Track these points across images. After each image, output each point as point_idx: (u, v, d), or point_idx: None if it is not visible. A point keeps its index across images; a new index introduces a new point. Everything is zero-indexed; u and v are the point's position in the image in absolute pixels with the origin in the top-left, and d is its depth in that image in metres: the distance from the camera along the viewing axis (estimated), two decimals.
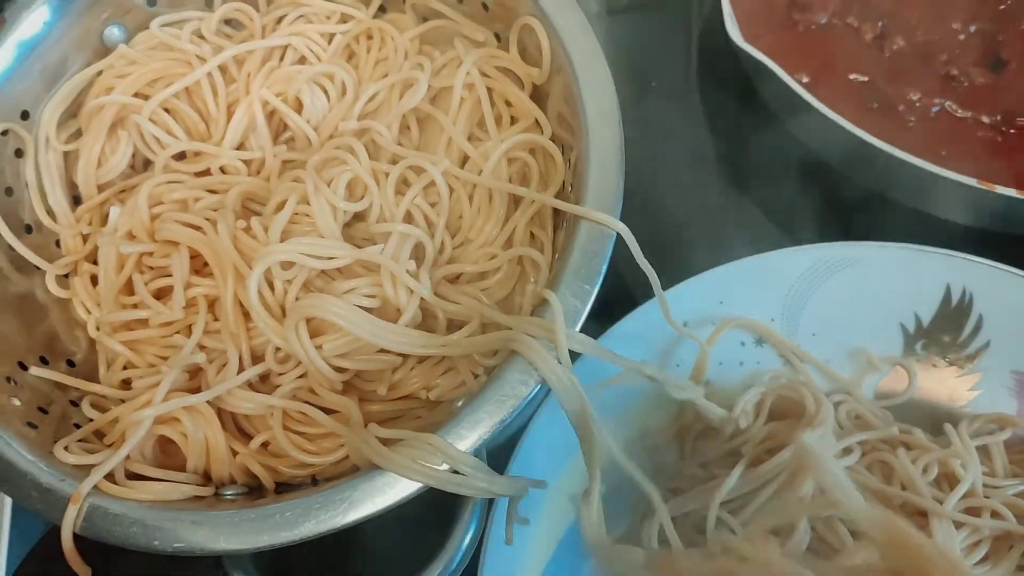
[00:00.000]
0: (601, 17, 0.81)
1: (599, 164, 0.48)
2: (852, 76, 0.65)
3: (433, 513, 0.43)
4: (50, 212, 0.58)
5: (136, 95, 0.59)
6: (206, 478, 0.48)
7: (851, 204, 0.65)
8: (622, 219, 0.48)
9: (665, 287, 0.58)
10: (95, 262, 0.56)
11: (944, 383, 0.58)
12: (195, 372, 0.51)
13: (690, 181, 0.71)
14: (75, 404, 0.52)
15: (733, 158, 0.73)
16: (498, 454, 0.56)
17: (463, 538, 0.42)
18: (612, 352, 0.45)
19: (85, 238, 0.58)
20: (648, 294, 0.56)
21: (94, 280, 0.56)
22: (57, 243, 0.58)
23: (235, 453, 0.47)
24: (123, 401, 0.50)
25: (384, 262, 0.48)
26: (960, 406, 0.58)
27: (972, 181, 0.55)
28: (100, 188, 0.59)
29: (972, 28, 0.65)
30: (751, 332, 0.60)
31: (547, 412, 0.55)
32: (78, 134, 0.59)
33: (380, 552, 0.49)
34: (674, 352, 0.59)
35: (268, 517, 0.41)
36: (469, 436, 0.42)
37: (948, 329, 0.58)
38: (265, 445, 0.48)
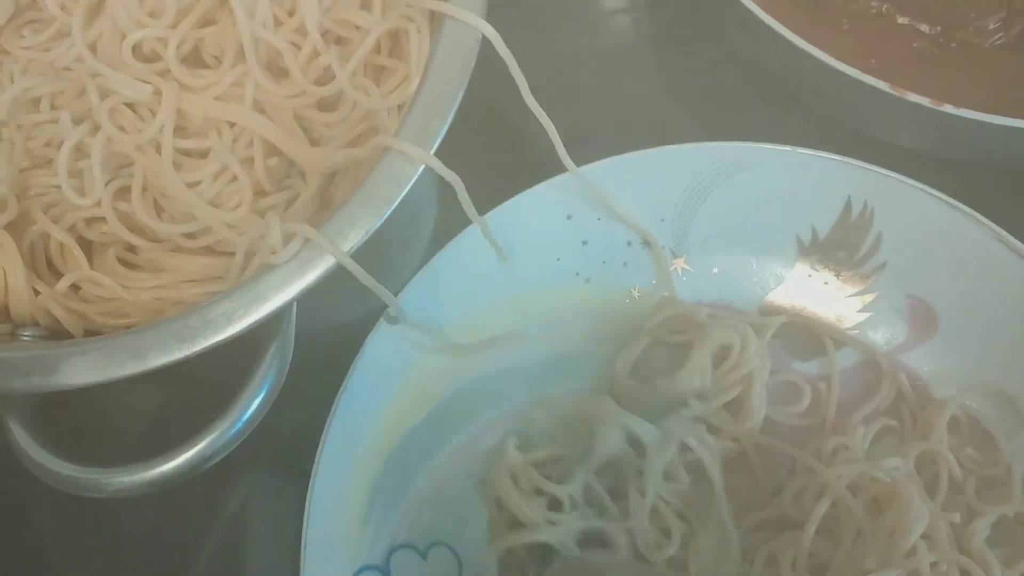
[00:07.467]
0: None
1: None
2: None
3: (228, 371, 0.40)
4: None
5: None
6: (6, 314, 0.44)
7: (772, 106, 0.60)
8: None
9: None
10: None
11: (833, 302, 0.55)
12: None
13: (616, 74, 0.66)
14: None
15: (667, 53, 0.68)
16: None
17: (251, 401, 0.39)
18: None
19: None
20: None
21: None
22: None
23: (38, 293, 0.44)
24: None
25: None
26: (847, 328, 0.54)
27: (884, 85, 0.50)
28: None
29: None
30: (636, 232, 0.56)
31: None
32: None
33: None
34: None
35: (37, 359, 0.38)
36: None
37: (845, 245, 0.54)
38: (76, 289, 0.45)
